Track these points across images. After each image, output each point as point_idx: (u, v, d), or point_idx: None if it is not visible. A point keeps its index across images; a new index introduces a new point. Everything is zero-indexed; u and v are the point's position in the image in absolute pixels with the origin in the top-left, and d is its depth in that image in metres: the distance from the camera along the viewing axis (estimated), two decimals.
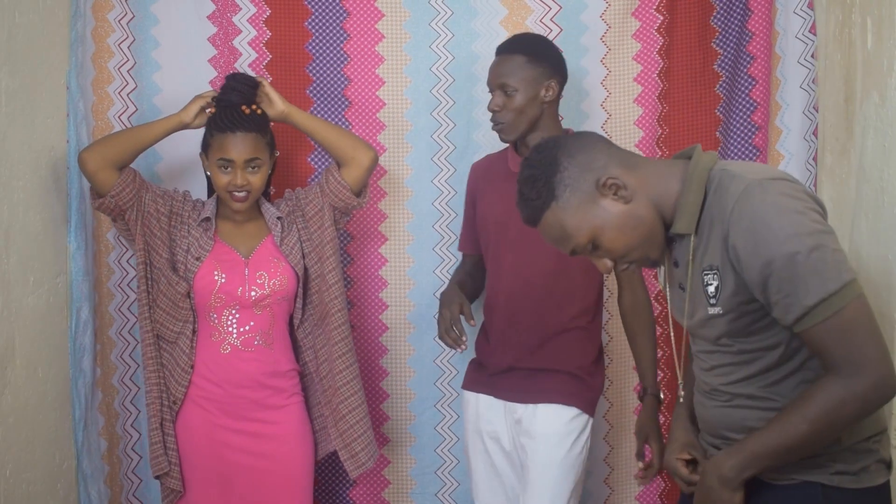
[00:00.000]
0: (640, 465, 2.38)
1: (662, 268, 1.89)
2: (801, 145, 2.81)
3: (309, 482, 2.69)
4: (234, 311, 2.58)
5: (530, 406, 2.51)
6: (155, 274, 2.58)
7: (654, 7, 2.90)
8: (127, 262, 2.88)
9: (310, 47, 2.92)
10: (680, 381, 1.96)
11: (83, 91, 2.79)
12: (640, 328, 2.58)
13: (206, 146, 2.59)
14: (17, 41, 2.45)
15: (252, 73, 2.86)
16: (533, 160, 1.76)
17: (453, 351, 2.97)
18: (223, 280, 2.55)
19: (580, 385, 2.51)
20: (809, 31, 2.77)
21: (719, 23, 2.91)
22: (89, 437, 2.82)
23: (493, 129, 2.54)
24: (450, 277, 2.95)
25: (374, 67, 2.93)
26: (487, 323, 2.65)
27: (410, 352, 2.99)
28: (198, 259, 2.57)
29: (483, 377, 2.61)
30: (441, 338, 2.48)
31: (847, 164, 2.53)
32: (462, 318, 2.46)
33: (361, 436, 2.69)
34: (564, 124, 2.66)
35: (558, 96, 2.54)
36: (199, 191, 2.77)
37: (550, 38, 2.77)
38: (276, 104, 2.63)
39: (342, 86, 2.93)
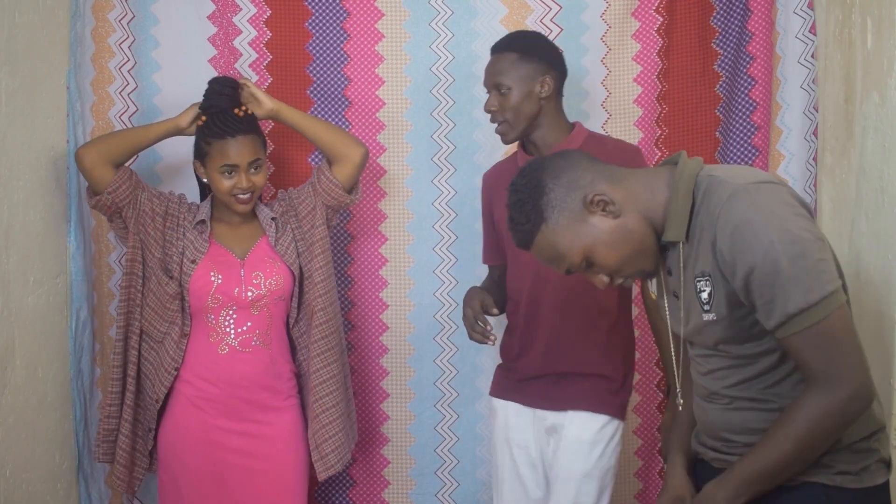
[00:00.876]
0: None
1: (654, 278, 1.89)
2: (802, 145, 2.80)
3: (304, 484, 2.69)
4: (231, 312, 2.58)
5: (560, 413, 2.45)
6: (147, 272, 2.59)
7: (654, 8, 2.90)
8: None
9: (310, 48, 2.92)
10: (678, 390, 1.95)
11: (82, 91, 2.79)
12: (664, 324, 2.49)
13: (201, 154, 2.58)
14: (17, 41, 2.45)
15: (252, 74, 2.86)
16: (518, 185, 1.76)
17: (453, 351, 2.98)
18: (220, 281, 2.56)
19: (609, 389, 2.44)
20: (809, 31, 2.77)
21: (719, 23, 2.91)
22: (89, 437, 2.82)
23: (496, 131, 2.50)
24: (450, 277, 2.96)
25: (374, 67, 2.93)
26: (511, 326, 2.60)
27: (410, 351, 2.99)
28: (193, 262, 2.57)
29: (511, 383, 2.56)
30: (470, 336, 2.44)
31: (847, 164, 2.53)
32: (486, 316, 2.44)
33: (333, 437, 2.67)
34: None
35: (556, 91, 2.49)
36: (198, 191, 2.77)
37: (551, 37, 2.75)
38: (263, 103, 2.63)
39: (342, 86, 2.93)
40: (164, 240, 2.60)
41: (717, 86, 2.92)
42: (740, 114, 2.91)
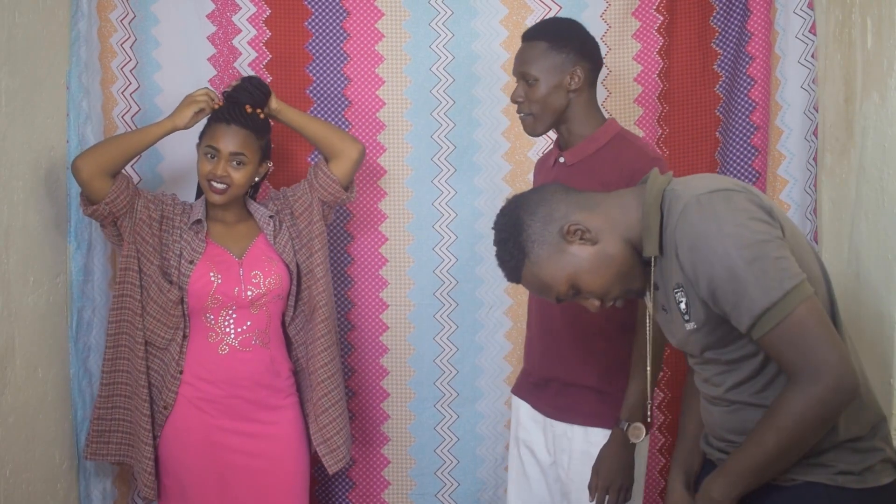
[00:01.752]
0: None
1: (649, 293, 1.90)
2: (802, 145, 2.81)
3: (305, 482, 2.69)
4: (230, 312, 2.58)
5: (566, 425, 2.38)
6: (145, 281, 2.57)
7: (654, 7, 2.90)
8: None
9: (310, 47, 2.92)
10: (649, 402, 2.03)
11: (90, 90, 2.78)
12: (634, 348, 2.32)
13: (201, 133, 2.60)
14: (17, 41, 2.45)
15: (251, 73, 2.86)
16: (499, 224, 1.84)
17: (453, 351, 2.98)
18: (219, 281, 2.55)
19: (610, 404, 2.32)
20: (809, 31, 2.77)
21: (719, 23, 2.91)
22: None
23: (521, 120, 2.38)
24: (450, 277, 2.96)
25: (374, 67, 2.93)
26: (528, 327, 2.54)
27: (410, 351, 2.99)
28: (191, 262, 2.57)
29: (527, 384, 2.51)
30: None
31: (847, 164, 2.53)
32: None
33: (342, 430, 2.69)
34: None
35: (588, 84, 2.35)
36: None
37: None
38: (269, 102, 2.63)
39: (342, 85, 2.93)
40: (161, 245, 2.59)
41: (717, 86, 2.92)
42: (740, 114, 2.90)
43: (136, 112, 2.87)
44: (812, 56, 2.77)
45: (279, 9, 2.90)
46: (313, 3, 2.91)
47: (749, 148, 2.91)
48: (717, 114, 2.93)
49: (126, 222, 2.56)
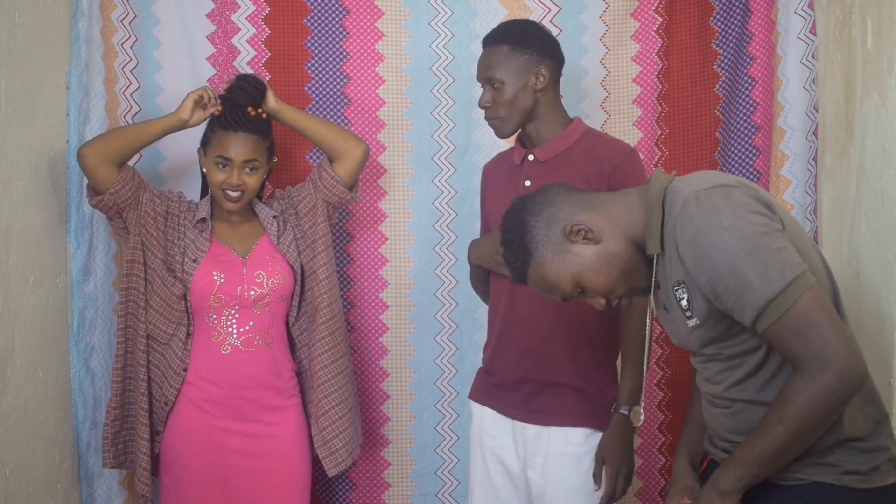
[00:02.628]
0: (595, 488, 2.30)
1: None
2: (802, 145, 2.81)
3: (306, 483, 2.69)
4: (233, 311, 2.58)
5: (541, 427, 2.37)
6: (149, 274, 2.57)
7: (653, 8, 2.90)
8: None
9: (308, 44, 2.92)
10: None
11: (92, 90, 2.78)
12: (625, 335, 2.37)
13: (205, 142, 2.59)
14: (17, 41, 2.45)
15: (250, 72, 2.86)
16: (505, 226, 1.86)
17: (453, 350, 2.98)
18: (222, 280, 2.55)
19: (587, 400, 2.34)
20: (810, 32, 2.77)
21: (719, 23, 2.91)
22: (100, 438, 2.81)
23: (489, 125, 2.41)
24: (450, 277, 2.96)
25: (374, 66, 2.93)
26: (490, 326, 2.52)
27: (411, 352, 2.99)
28: (194, 261, 2.56)
29: (489, 388, 2.48)
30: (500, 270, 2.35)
31: (847, 164, 2.53)
32: None
33: (343, 432, 2.67)
34: None
35: (553, 82, 2.38)
36: (196, 189, 2.77)
37: None
38: (268, 101, 2.63)
39: (341, 83, 2.93)
40: (165, 240, 2.59)
41: (717, 86, 2.92)
42: (741, 114, 2.91)
43: (137, 112, 2.86)
44: (812, 56, 2.77)
45: (278, 6, 2.90)
46: (312, 1, 2.91)
47: (750, 148, 2.91)
48: (717, 114, 2.93)
49: (131, 214, 2.56)
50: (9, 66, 2.41)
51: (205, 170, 2.60)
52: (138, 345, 2.59)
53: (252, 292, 2.57)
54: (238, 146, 2.53)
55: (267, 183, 2.83)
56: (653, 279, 1.79)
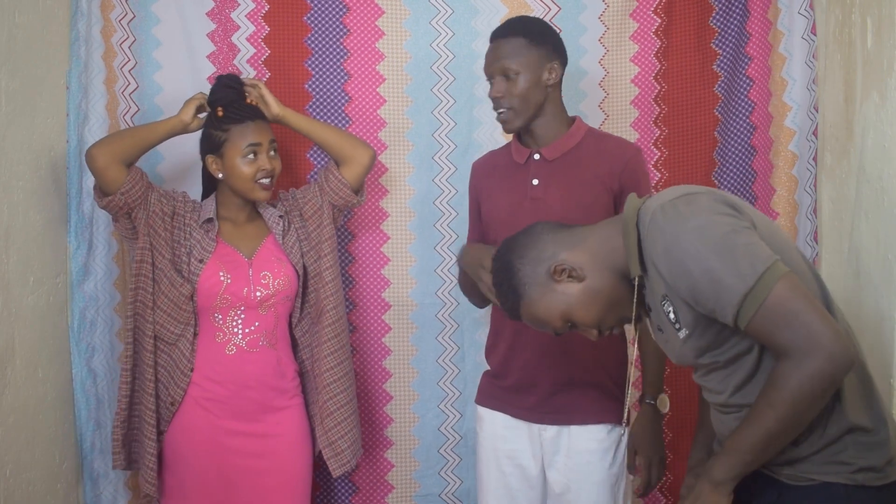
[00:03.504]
0: (633, 477, 2.36)
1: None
2: (803, 145, 2.82)
3: (308, 483, 2.68)
4: (239, 312, 2.58)
5: (560, 427, 2.38)
6: (157, 275, 2.56)
7: (652, 9, 2.90)
8: None
9: (309, 42, 2.92)
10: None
11: (92, 90, 2.77)
12: (640, 329, 2.40)
13: (218, 144, 2.56)
14: (17, 41, 2.45)
15: (251, 70, 2.86)
16: (494, 269, 1.93)
17: (455, 350, 2.98)
18: (229, 281, 2.55)
19: (607, 396, 2.37)
20: (810, 32, 2.77)
21: (718, 23, 2.91)
22: (105, 438, 2.81)
23: (497, 118, 2.39)
24: (451, 276, 2.96)
25: (375, 64, 2.92)
26: (496, 329, 2.51)
27: (413, 352, 2.99)
28: (201, 261, 2.56)
29: (499, 391, 2.47)
30: (487, 294, 2.35)
31: (847, 164, 2.53)
32: None
33: (347, 434, 2.68)
34: None
35: (560, 80, 2.40)
36: (199, 192, 2.76)
37: None
38: (271, 107, 2.63)
39: (342, 81, 2.92)
40: (172, 240, 2.58)
41: (716, 85, 2.92)
42: (739, 114, 2.91)
43: (136, 112, 2.85)
44: (813, 56, 2.78)
45: (278, 4, 2.89)
46: None
47: (748, 148, 2.92)
48: (716, 113, 2.93)
49: (140, 214, 2.55)
50: (9, 66, 2.41)
51: (221, 174, 2.59)
52: (145, 345, 2.58)
53: (258, 293, 2.57)
54: (257, 131, 2.56)
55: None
56: (634, 305, 1.82)
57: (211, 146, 2.59)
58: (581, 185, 2.33)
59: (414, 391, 3.00)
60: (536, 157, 2.40)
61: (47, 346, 2.64)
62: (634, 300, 1.81)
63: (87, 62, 2.77)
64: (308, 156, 2.94)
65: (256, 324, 2.59)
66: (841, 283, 2.55)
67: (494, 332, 2.53)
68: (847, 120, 2.52)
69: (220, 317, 2.57)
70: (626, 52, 2.92)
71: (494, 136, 2.94)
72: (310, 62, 2.92)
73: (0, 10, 2.37)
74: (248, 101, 2.62)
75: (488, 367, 2.57)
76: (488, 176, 2.54)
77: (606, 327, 1.86)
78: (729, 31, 2.90)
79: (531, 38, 2.35)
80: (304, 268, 2.68)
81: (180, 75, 2.86)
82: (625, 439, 2.39)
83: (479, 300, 2.55)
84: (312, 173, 2.94)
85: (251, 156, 2.54)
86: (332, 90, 2.92)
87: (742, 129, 2.92)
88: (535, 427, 2.42)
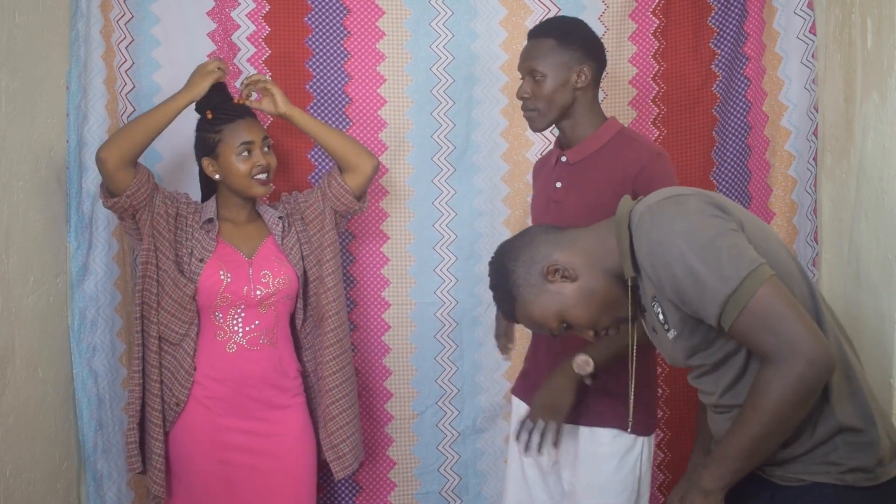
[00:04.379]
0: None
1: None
2: (803, 145, 2.82)
3: (312, 482, 2.69)
4: (239, 311, 2.58)
5: (570, 425, 2.38)
6: (160, 276, 2.56)
7: (650, 10, 2.90)
8: None
9: (309, 42, 2.92)
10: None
11: (92, 90, 2.77)
12: None
13: (212, 146, 2.57)
14: (17, 41, 2.45)
15: (250, 69, 2.86)
16: (490, 272, 1.94)
17: (453, 348, 2.99)
18: (229, 280, 2.55)
19: (617, 403, 2.31)
20: (809, 32, 2.78)
21: (717, 23, 2.91)
22: (107, 438, 2.81)
23: (524, 116, 2.40)
24: (450, 276, 2.97)
25: (375, 65, 2.92)
26: (536, 342, 2.54)
27: (412, 350, 3.00)
28: (201, 260, 2.56)
29: (526, 388, 2.52)
30: (496, 337, 2.48)
31: (847, 164, 2.53)
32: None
33: (350, 437, 2.69)
34: None
35: (593, 82, 2.36)
36: (198, 191, 2.77)
37: None
38: (279, 105, 2.62)
39: (342, 82, 2.92)
40: (175, 241, 2.58)
41: (714, 85, 2.92)
42: (736, 113, 2.92)
43: (132, 112, 2.85)
44: (812, 56, 2.78)
45: (279, 4, 2.89)
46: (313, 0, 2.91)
47: (744, 147, 2.92)
48: (714, 113, 2.93)
49: (145, 215, 2.55)
50: (9, 66, 2.41)
51: (217, 176, 2.59)
52: (150, 346, 2.58)
53: (258, 292, 2.57)
54: (249, 129, 2.56)
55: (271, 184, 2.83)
56: (629, 306, 1.82)
57: (205, 149, 2.59)
58: (596, 190, 2.31)
59: (413, 388, 3.01)
60: (563, 159, 2.40)
61: (47, 346, 2.64)
62: (629, 301, 1.81)
63: (86, 62, 2.77)
64: (309, 156, 2.94)
65: (257, 322, 2.59)
66: (841, 283, 2.56)
67: (533, 345, 2.56)
68: (847, 120, 2.52)
69: (220, 315, 2.57)
70: (624, 53, 2.92)
71: (493, 138, 2.94)
72: (310, 63, 2.92)
73: (0, 10, 2.37)
74: (237, 101, 2.60)
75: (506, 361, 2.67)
76: (537, 174, 2.57)
77: (602, 328, 1.87)
78: (727, 30, 2.90)
79: (561, 39, 2.33)
80: (305, 271, 2.68)
81: (179, 74, 2.84)
82: (637, 447, 2.35)
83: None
84: (313, 174, 2.94)
85: (245, 153, 2.55)
86: (332, 91, 2.92)
87: (738, 128, 2.92)
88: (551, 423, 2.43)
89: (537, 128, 2.39)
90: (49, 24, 2.65)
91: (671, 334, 1.76)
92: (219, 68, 2.57)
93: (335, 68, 2.92)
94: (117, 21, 2.83)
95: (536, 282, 1.85)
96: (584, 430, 2.37)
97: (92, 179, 2.76)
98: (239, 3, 2.88)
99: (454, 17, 2.92)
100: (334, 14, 2.91)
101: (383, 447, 3.01)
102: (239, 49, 2.88)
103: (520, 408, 2.53)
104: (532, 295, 1.85)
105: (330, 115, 2.91)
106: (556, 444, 2.32)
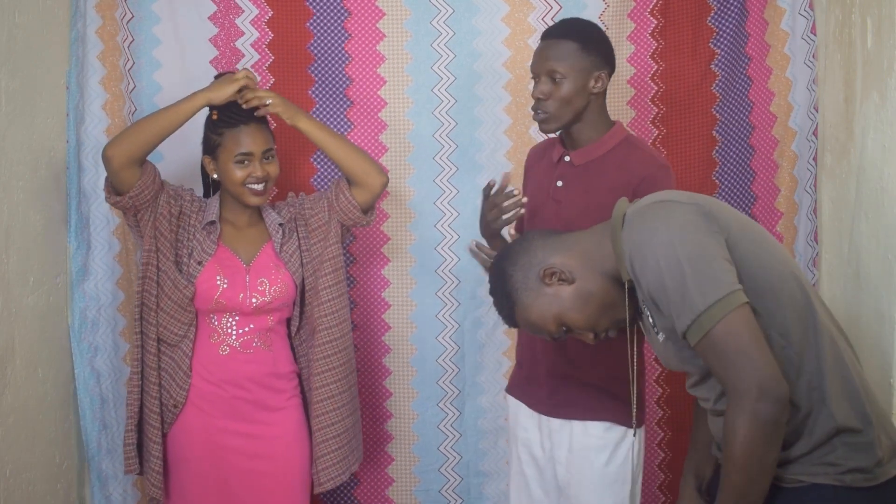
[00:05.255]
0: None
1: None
2: (803, 145, 2.82)
3: (306, 484, 2.67)
4: (234, 315, 2.57)
5: (562, 420, 2.41)
6: (160, 277, 2.54)
7: (648, 10, 2.90)
8: None
9: (311, 48, 2.92)
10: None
11: (88, 90, 2.77)
12: None
13: (213, 147, 2.55)
14: (17, 41, 2.45)
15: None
16: (489, 277, 1.96)
17: (454, 350, 2.98)
18: (225, 286, 2.53)
19: (609, 397, 2.36)
20: (810, 32, 2.78)
21: (716, 23, 2.91)
22: (112, 438, 2.81)
23: (534, 118, 2.36)
24: (451, 277, 2.96)
25: (376, 67, 2.92)
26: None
27: (412, 351, 2.99)
28: (199, 263, 2.54)
29: (520, 381, 2.53)
30: (497, 223, 2.38)
31: (847, 164, 2.54)
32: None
33: (328, 454, 2.63)
34: None
35: (606, 88, 2.38)
36: (199, 191, 2.76)
37: None
38: (285, 120, 2.56)
39: (344, 86, 2.92)
40: (176, 241, 2.56)
41: (714, 85, 2.92)
42: (738, 113, 2.92)
43: (134, 111, 2.85)
44: (813, 56, 2.78)
45: (281, 10, 2.89)
46: (314, 4, 2.90)
47: (747, 147, 2.92)
48: (714, 112, 2.93)
49: (147, 216, 2.52)
50: (9, 66, 2.41)
51: (215, 175, 2.57)
52: (149, 348, 2.56)
53: (254, 300, 2.55)
54: (254, 138, 2.51)
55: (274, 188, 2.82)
56: (626, 308, 1.82)
57: (207, 147, 2.57)
58: (598, 195, 2.30)
59: (413, 389, 3.00)
60: (567, 158, 2.39)
61: (47, 346, 2.64)
62: (626, 303, 1.81)
63: (83, 62, 2.77)
64: (311, 160, 2.94)
65: (251, 325, 2.57)
66: (841, 283, 2.56)
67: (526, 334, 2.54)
68: (847, 120, 2.52)
69: (214, 318, 2.56)
70: (623, 53, 2.92)
71: (496, 136, 2.93)
72: (313, 68, 2.91)
73: (0, 10, 2.37)
74: (242, 102, 2.53)
75: (508, 361, 2.65)
76: (534, 165, 2.55)
77: (601, 330, 1.87)
78: (727, 30, 2.90)
79: (584, 44, 2.32)
80: (303, 279, 2.64)
81: (180, 76, 2.85)
82: (628, 440, 2.37)
83: None
84: (316, 177, 2.94)
85: (242, 163, 2.51)
86: (334, 96, 2.92)
87: (741, 128, 2.92)
88: (544, 418, 2.46)
89: (548, 130, 2.37)
90: (49, 24, 2.65)
91: (661, 337, 1.78)
92: (247, 77, 2.51)
93: (337, 72, 2.92)
94: (120, 20, 2.83)
95: (534, 285, 1.86)
96: (577, 425, 2.38)
97: (88, 179, 2.76)
98: (242, 10, 2.87)
99: (455, 14, 2.91)
100: (335, 18, 2.91)
101: (383, 443, 3.01)
102: (243, 55, 2.88)
103: (517, 408, 2.53)
104: (530, 298, 1.87)
105: (331, 120, 2.91)
106: None
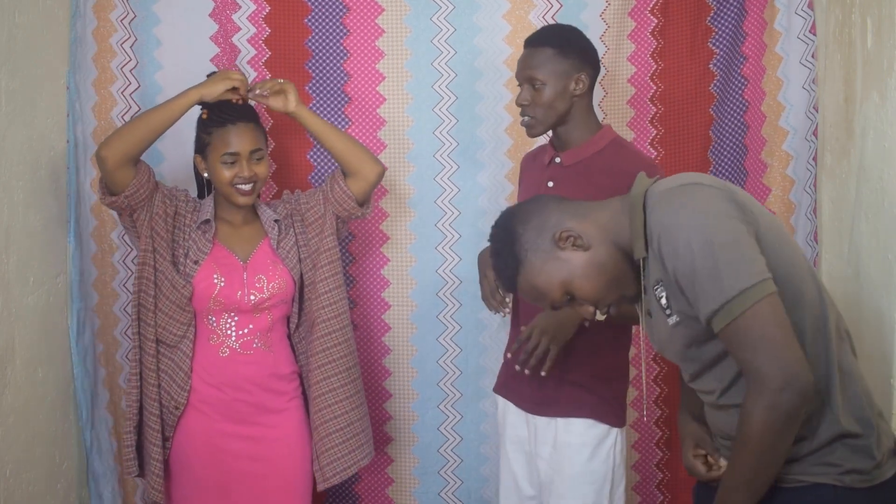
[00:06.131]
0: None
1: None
2: (802, 145, 2.82)
3: (308, 486, 2.66)
4: (232, 315, 2.56)
5: (547, 418, 2.44)
6: (158, 277, 2.53)
7: (649, 9, 2.90)
8: (132, 261, 2.85)
9: (309, 44, 2.91)
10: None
11: (82, 91, 2.78)
12: None
13: (202, 146, 2.54)
14: (17, 41, 2.45)
15: (251, 71, 2.86)
16: (494, 235, 1.87)
17: (457, 352, 2.98)
18: (222, 284, 2.53)
19: (591, 394, 2.40)
20: (809, 32, 2.78)
21: (715, 23, 2.91)
22: (99, 437, 2.81)
23: (521, 123, 2.44)
24: (452, 277, 2.96)
25: (375, 63, 2.91)
26: (513, 317, 2.57)
27: (413, 352, 2.99)
28: (196, 262, 2.53)
29: (507, 379, 2.55)
30: (484, 299, 2.45)
31: (847, 164, 2.54)
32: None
33: (331, 449, 2.62)
34: None
35: (590, 89, 2.43)
36: (194, 192, 2.76)
37: None
38: (290, 103, 2.56)
39: (342, 82, 2.91)
40: (172, 241, 2.56)
41: (712, 85, 2.92)
42: (733, 113, 2.92)
43: (136, 112, 2.85)
44: (812, 56, 2.78)
45: (279, 6, 2.88)
46: (313, 0, 2.90)
47: (740, 147, 2.93)
48: (711, 112, 2.93)
49: (143, 215, 2.52)
50: (9, 66, 2.41)
51: (206, 174, 2.57)
52: (147, 349, 2.54)
53: (252, 297, 2.55)
54: (241, 138, 2.50)
55: (271, 182, 2.82)
56: (638, 284, 1.80)
57: (198, 146, 2.57)
58: (587, 194, 2.30)
59: (413, 390, 3.00)
60: (557, 160, 2.44)
61: (47, 346, 2.65)
62: (641, 280, 1.78)
63: (80, 63, 2.77)
64: (308, 157, 2.94)
65: (250, 326, 2.57)
66: (841, 283, 2.56)
67: (514, 325, 2.57)
68: (847, 120, 2.52)
69: (213, 319, 2.55)
70: (623, 52, 2.92)
71: (497, 134, 2.93)
72: (310, 64, 2.91)
73: (0, 10, 2.37)
74: (234, 100, 2.53)
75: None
76: (527, 169, 2.60)
77: (605, 304, 1.82)
78: (725, 30, 2.90)
79: (560, 48, 2.38)
80: (301, 275, 2.64)
81: (181, 75, 2.83)
82: (611, 438, 2.40)
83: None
84: (313, 174, 2.93)
85: (229, 163, 2.50)
86: (332, 91, 2.92)
87: (735, 128, 2.92)
88: (531, 416, 2.49)
89: (534, 134, 2.44)
90: (49, 25, 2.65)
91: (672, 320, 1.74)
92: (240, 80, 2.51)
93: (334, 68, 2.91)
94: (120, 20, 2.83)
95: (546, 247, 1.79)
96: (560, 422, 2.41)
97: (89, 180, 2.76)
98: (240, 6, 2.87)
99: (455, 11, 2.91)
100: (334, 13, 2.90)
101: (382, 444, 3.01)
102: (240, 51, 2.88)
103: (505, 406, 2.56)
104: (540, 260, 1.79)
105: (329, 116, 2.90)
106: (546, 371, 2.32)
